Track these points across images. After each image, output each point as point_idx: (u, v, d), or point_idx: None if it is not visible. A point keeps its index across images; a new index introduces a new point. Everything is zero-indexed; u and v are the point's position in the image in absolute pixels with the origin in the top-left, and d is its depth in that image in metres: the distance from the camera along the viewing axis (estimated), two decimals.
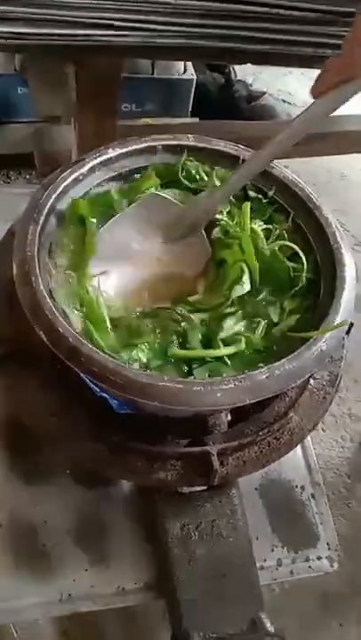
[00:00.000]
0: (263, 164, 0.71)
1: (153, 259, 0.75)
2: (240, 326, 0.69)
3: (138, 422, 0.73)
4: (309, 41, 1.03)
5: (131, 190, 0.76)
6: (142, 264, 0.74)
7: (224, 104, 2.12)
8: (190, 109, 2.01)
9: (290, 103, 2.40)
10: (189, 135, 0.79)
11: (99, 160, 0.74)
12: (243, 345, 0.67)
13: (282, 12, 0.98)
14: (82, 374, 0.62)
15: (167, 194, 0.76)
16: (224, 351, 0.66)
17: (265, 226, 0.76)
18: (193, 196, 0.77)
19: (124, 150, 0.76)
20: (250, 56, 1.04)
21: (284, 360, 0.63)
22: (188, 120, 1.97)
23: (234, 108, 2.12)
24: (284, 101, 2.41)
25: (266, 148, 0.67)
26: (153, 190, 0.76)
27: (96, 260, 0.70)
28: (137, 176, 0.78)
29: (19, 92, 1.84)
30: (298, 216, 0.77)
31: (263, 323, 0.70)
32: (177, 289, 0.74)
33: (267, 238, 0.75)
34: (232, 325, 0.69)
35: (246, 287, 0.71)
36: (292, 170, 0.82)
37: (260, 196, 0.79)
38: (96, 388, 0.67)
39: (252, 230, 0.74)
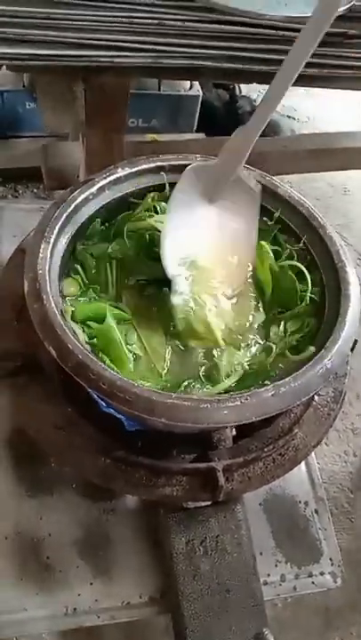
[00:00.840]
0: (285, 86, 0.65)
1: (209, 222, 0.76)
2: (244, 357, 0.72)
3: (144, 437, 0.74)
4: (314, 62, 1.04)
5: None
6: (203, 231, 0.76)
7: (229, 120, 2.14)
8: (196, 125, 2.04)
9: (294, 119, 2.43)
10: (197, 155, 0.80)
11: (108, 180, 0.76)
12: (240, 373, 0.69)
13: (287, 33, 1.00)
14: (90, 390, 0.63)
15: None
16: (224, 385, 0.68)
17: (272, 247, 0.78)
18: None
19: (134, 170, 0.77)
20: (255, 76, 1.06)
21: (289, 378, 0.63)
22: (194, 136, 2.00)
23: (238, 124, 2.13)
24: (288, 117, 2.43)
25: (281, 68, 0.64)
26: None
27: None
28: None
29: (27, 107, 1.87)
30: (303, 235, 0.78)
31: (263, 347, 0.72)
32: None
33: (276, 259, 0.78)
34: (239, 358, 0.72)
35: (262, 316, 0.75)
36: (296, 185, 0.83)
37: (264, 218, 0.80)
38: (104, 403, 0.68)
39: (261, 246, 0.76)
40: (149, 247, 0.78)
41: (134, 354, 0.70)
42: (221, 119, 2.14)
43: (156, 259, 0.76)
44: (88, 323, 0.69)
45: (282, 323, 0.74)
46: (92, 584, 0.81)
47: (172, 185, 0.79)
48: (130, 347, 0.70)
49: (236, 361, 0.71)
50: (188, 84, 1.96)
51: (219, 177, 0.75)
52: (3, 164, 1.89)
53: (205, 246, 0.76)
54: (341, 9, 1.00)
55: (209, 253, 0.76)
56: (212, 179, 0.75)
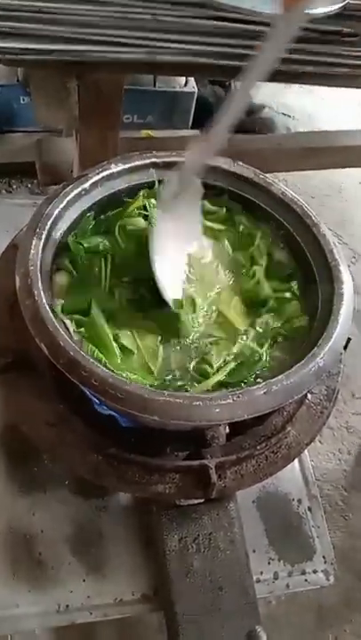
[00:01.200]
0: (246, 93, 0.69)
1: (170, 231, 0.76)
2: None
3: (136, 434, 0.74)
4: (310, 59, 1.04)
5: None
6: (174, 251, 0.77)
7: None
8: (191, 121, 2.03)
9: (289, 116, 2.42)
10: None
11: (101, 175, 0.76)
12: (232, 366, 0.69)
13: None
14: (82, 387, 0.62)
15: None
16: (215, 380, 0.68)
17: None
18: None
19: (127, 166, 0.77)
20: None
21: (281, 376, 0.63)
22: (189, 132, 1.99)
23: None
24: (283, 114, 2.43)
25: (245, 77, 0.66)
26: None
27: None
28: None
29: (21, 101, 1.86)
30: (296, 233, 0.78)
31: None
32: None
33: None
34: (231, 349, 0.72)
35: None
36: (292, 183, 0.83)
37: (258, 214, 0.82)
38: (96, 400, 0.67)
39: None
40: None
41: (126, 348, 0.70)
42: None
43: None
44: (76, 315, 0.69)
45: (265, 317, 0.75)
46: (84, 581, 0.81)
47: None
48: (122, 341, 0.69)
49: (226, 353, 0.71)
50: (183, 80, 1.95)
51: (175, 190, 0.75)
52: None
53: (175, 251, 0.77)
54: (336, 7, 1.00)
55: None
56: (170, 194, 0.76)
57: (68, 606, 0.79)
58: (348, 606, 1.37)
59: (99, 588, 0.81)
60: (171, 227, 0.76)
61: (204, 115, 2.06)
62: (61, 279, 0.72)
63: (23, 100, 1.86)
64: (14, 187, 1.92)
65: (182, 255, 0.78)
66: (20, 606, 0.78)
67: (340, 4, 1.02)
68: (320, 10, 1.00)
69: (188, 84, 1.96)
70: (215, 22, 0.96)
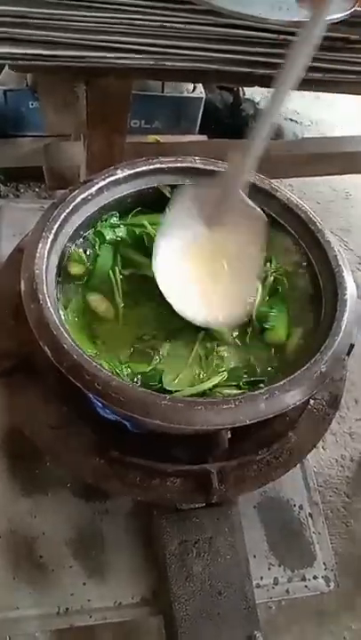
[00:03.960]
0: (275, 112, 0.67)
1: (206, 246, 0.74)
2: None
3: (138, 438, 0.74)
4: (318, 66, 1.05)
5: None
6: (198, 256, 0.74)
7: (232, 122, 2.14)
8: (198, 127, 2.04)
9: (297, 122, 2.43)
10: (196, 157, 0.81)
11: (107, 181, 0.76)
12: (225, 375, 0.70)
13: (288, 37, 1.00)
14: (85, 391, 0.63)
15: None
16: (209, 384, 0.69)
17: None
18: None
19: (133, 172, 0.78)
20: (257, 80, 1.06)
21: (283, 382, 0.64)
22: (197, 138, 2.00)
23: (242, 126, 2.15)
24: (291, 120, 2.43)
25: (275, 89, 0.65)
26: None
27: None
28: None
29: (30, 106, 1.87)
30: (301, 239, 0.78)
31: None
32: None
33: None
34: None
35: None
36: (298, 189, 0.83)
37: None
38: (99, 404, 0.68)
39: None
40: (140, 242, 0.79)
41: None
42: (225, 121, 2.14)
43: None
44: None
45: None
46: (84, 584, 0.81)
47: (171, 187, 0.80)
48: None
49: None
50: (191, 85, 1.96)
51: (218, 201, 0.72)
52: (5, 163, 1.89)
53: (205, 274, 0.75)
54: (343, 14, 1.00)
55: (207, 283, 0.74)
56: (210, 203, 0.72)
57: (67, 609, 0.79)
58: (348, 613, 1.37)
59: (99, 592, 0.81)
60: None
61: (212, 120, 2.08)
62: (75, 267, 0.75)
63: (32, 104, 1.87)
64: (22, 191, 1.93)
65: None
66: (20, 608, 0.78)
67: (348, 12, 1.02)
68: (327, 17, 1.00)
69: (195, 90, 1.97)
70: (222, 29, 0.97)
